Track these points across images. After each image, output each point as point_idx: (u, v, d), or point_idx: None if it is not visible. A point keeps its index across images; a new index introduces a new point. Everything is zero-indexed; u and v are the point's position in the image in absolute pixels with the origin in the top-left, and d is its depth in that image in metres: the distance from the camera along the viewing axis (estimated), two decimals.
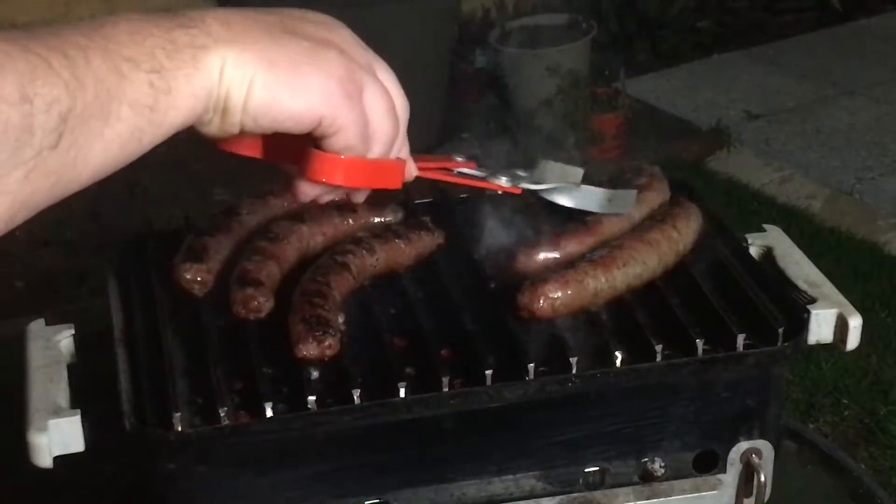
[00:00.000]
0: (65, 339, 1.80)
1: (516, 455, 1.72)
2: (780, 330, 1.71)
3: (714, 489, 1.79)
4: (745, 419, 1.76)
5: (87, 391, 1.70)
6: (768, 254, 1.99)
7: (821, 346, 1.82)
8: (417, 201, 2.05)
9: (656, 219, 1.87)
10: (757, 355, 1.71)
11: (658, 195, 1.93)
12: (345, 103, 1.07)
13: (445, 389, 1.62)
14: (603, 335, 1.71)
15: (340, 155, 1.11)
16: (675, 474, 1.78)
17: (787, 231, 2.06)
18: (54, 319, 1.84)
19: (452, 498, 1.72)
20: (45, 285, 4.13)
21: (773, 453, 1.79)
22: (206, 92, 1.01)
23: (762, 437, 1.78)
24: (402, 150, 1.19)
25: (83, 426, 1.61)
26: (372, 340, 1.70)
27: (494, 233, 1.91)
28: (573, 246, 1.79)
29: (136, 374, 1.66)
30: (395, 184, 1.20)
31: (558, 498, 1.75)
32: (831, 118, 5.28)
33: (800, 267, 1.93)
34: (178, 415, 1.55)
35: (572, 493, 1.75)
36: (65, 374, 1.72)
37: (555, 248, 1.79)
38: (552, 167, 1.68)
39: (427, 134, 5.14)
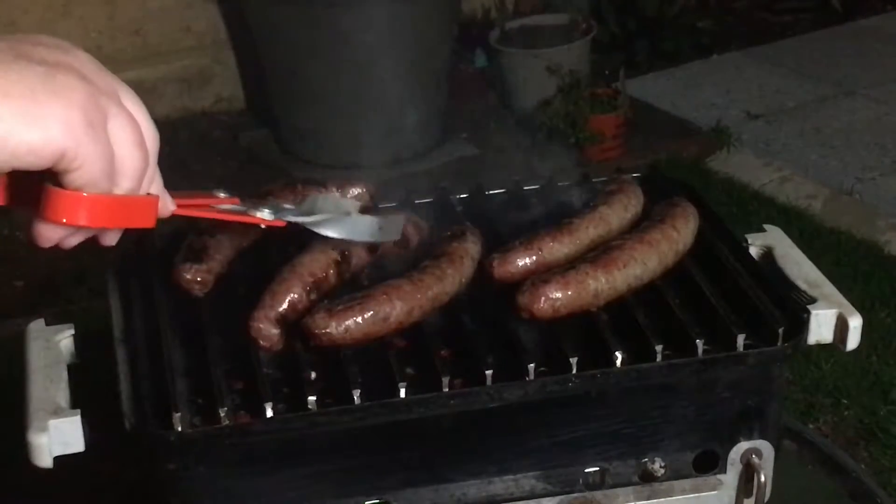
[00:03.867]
0: (65, 339, 1.80)
1: (516, 455, 1.72)
2: (780, 330, 1.71)
3: (714, 489, 1.79)
4: (745, 419, 1.76)
5: (87, 391, 1.70)
6: (768, 254, 1.99)
7: (821, 346, 1.82)
8: (417, 201, 2.05)
9: (656, 219, 1.87)
10: (757, 355, 1.71)
11: (633, 200, 1.94)
12: (88, 134, 0.97)
13: (445, 389, 1.62)
14: (603, 335, 1.71)
15: (83, 192, 1.00)
16: (675, 474, 1.78)
17: (787, 231, 2.06)
18: (54, 319, 1.84)
19: (452, 498, 1.72)
20: (45, 285, 4.13)
21: (773, 453, 1.79)
22: None
23: (762, 437, 1.78)
24: (153, 184, 1.09)
25: (83, 426, 1.61)
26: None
27: (494, 232, 1.91)
28: (549, 250, 1.80)
29: (136, 374, 1.66)
30: (147, 222, 1.09)
31: (558, 498, 1.75)
32: (831, 118, 5.28)
33: (800, 267, 1.93)
34: (178, 415, 1.55)
35: (572, 493, 1.75)
36: (65, 374, 1.72)
37: (531, 253, 1.79)
38: (323, 199, 1.62)
39: (427, 134, 5.14)
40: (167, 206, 1.15)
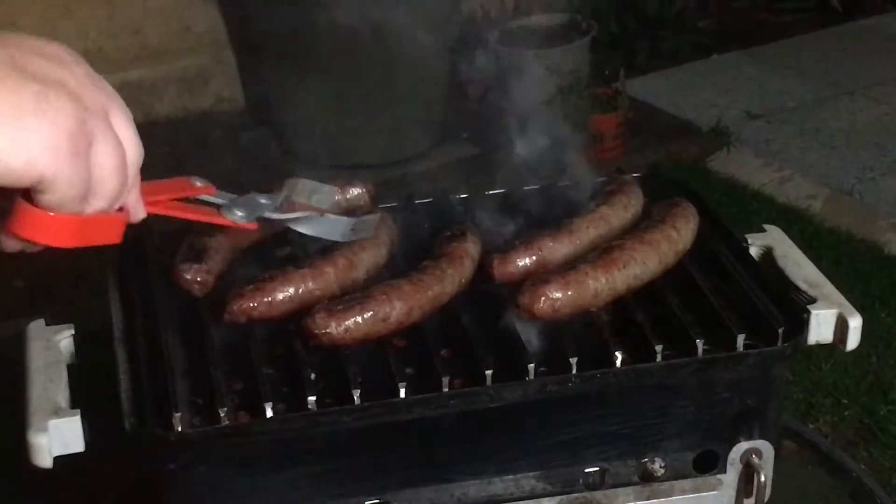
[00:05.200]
0: (65, 339, 1.80)
1: (516, 455, 1.72)
2: (780, 330, 1.71)
3: (714, 489, 1.79)
4: (745, 419, 1.76)
5: (87, 391, 1.69)
6: (768, 254, 1.99)
7: (821, 346, 1.82)
8: (417, 201, 2.05)
9: (656, 219, 1.87)
10: (757, 355, 1.71)
11: (633, 200, 1.94)
12: (69, 161, 0.96)
13: (445, 389, 1.62)
14: (603, 335, 1.71)
15: (50, 212, 0.99)
16: (675, 474, 1.78)
17: (787, 231, 2.06)
18: (54, 319, 1.84)
19: (452, 498, 1.72)
20: (45, 285, 4.13)
21: (773, 453, 1.79)
22: None
23: (762, 437, 1.78)
24: (129, 196, 1.07)
25: (83, 426, 1.61)
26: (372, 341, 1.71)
27: (494, 231, 1.92)
28: (549, 250, 1.80)
29: (136, 374, 1.66)
30: (113, 238, 1.08)
31: (558, 498, 1.75)
32: (831, 118, 5.28)
33: (800, 267, 1.93)
34: (178, 415, 1.55)
35: (572, 493, 1.76)
36: (65, 374, 1.72)
37: (531, 253, 1.79)
38: (303, 185, 1.63)
39: (427, 134, 5.14)
40: (138, 213, 1.13)
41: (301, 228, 1.59)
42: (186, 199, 1.31)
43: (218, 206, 1.37)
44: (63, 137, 0.95)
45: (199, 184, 1.32)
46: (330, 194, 1.76)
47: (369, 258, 1.79)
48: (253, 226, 1.42)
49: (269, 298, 1.69)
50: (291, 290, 1.70)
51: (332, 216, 1.66)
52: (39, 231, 1.01)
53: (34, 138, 0.94)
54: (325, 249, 1.77)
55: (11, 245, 1.05)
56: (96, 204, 1.02)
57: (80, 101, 0.98)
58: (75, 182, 0.98)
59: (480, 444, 1.72)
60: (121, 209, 1.08)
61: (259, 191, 1.49)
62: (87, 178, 0.99)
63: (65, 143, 0.95)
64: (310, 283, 1.72)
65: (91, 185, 1.00)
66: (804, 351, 1.82)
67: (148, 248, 1.94)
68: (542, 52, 5.15)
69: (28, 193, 0.99)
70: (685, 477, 1.78)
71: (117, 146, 1.01)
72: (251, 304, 1.68)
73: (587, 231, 1.85)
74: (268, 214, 1.47)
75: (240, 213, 1.39)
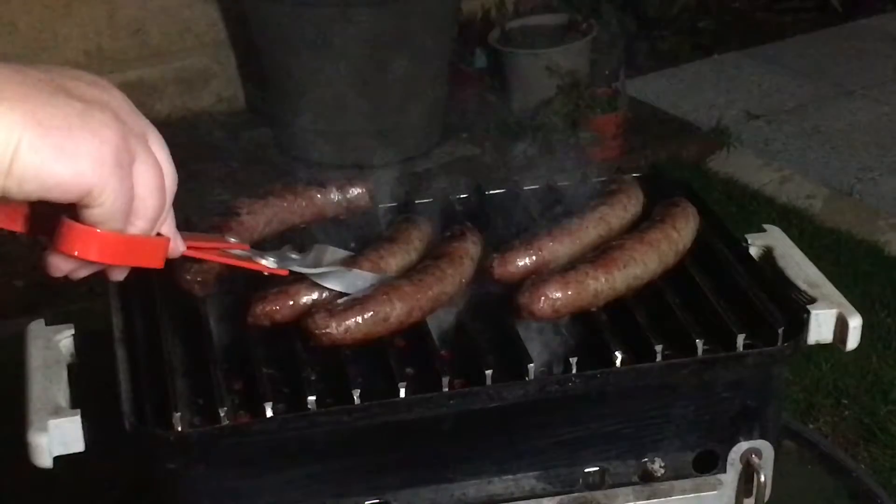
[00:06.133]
0: (65, 339, 1.80)
1: (516, 455, 1.72)
2: (780, 330, 1.71)
3: (714, 489, 1.79)
4: (745, 419, 1.76)
5: (87, 391, 1.70)
6: (768, 254, 1.99)
7: (821, 346, 1.82)
8: (418, 201, 2.05)
9: (656, 219, 1.87)
10: (757, 355, 1.71)
11: (633, 200, 1.94)
12: (115, 174, 1.00)
13: (445, 389, 1.62)
14: (603, 335, 1.71)
15: (97, 228, 1.03)
16: (675, 474, 1.78)
17: (787, 231, 2.06)
18: (54, 319, 1.84)
19: (452, 498, 1.72)
20: (45, 285, 4.13)
21: (773, 453, 1.79)
22: None
23: (762, 437, 1.78)
24: (165, 224, 1.12)
25: (83, 426, 1.61)
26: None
27: (494, 232, 1.92)
28: (549, 250, 1.80)
29: (136, 374, 1.66)
30: (156, 262, 1.12)
31: (558, 498, 1.75)
32: (831, 118, 5.28)
33: (800, 267, 1.93)
34: (178, 415, 1.55)
35: (572, 493, 1.75)
36: (65, 374, 1.72)
37: (531, 253, 1.79)
38: (322, 251, 1.71)
39: (427, 134, 5.14)
40: (178, 247, 1.19)
41: (329, 284, 1.68)
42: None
43: (251, 257, 1.46)
44: (109, 151, 0.99)
45: (233, 240, 1.43)
46: (343, 256, 1.78)
47: (396, 263, 1.78)
48: (284, 272, 1.54)
49: (293, 302, 1.69)
50: (315, 295, 1.70)
51: (357, 271, 1.72)
52: (86, 247, 1.04)
53: (83, 150, 0.97)
54: (349, 255, 1.78)
55: (59, 266, 1.07)
56: (139, 224, 1.06)
57: (122, 120, 1.02)
58: (120, 196, 1.01)
59: (480, 443, 1.72)
60: (159, 235, 1.11)
61: (291, 249, 1.64)
62: (131, 195, 1.03)
63: (110, 157, 0.99)
64: None
65: (134, 204, 1.03)
66: (804, 351, 1.81)
67: None
68: (542, 52, 5.15)
69: (73, 213, 1.02)
70: (685, 477, 1.78)
71: (157, 166, 1.05)
72: (275, 307, 1.68)
73: (587, 231, 1.85)
74: (296, 268, 1.60)
75: (272, 260, 1.50)
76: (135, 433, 1.57)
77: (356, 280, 1.70)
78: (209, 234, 1.35)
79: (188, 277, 1.76)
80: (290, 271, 1.58)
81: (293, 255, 1.62)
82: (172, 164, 1.09)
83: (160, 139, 1.08)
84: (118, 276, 1.14)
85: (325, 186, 1.97)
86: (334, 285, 1.68)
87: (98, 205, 1.00)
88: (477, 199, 2.10)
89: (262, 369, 1.65)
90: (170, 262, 1.12)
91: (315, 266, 1.68)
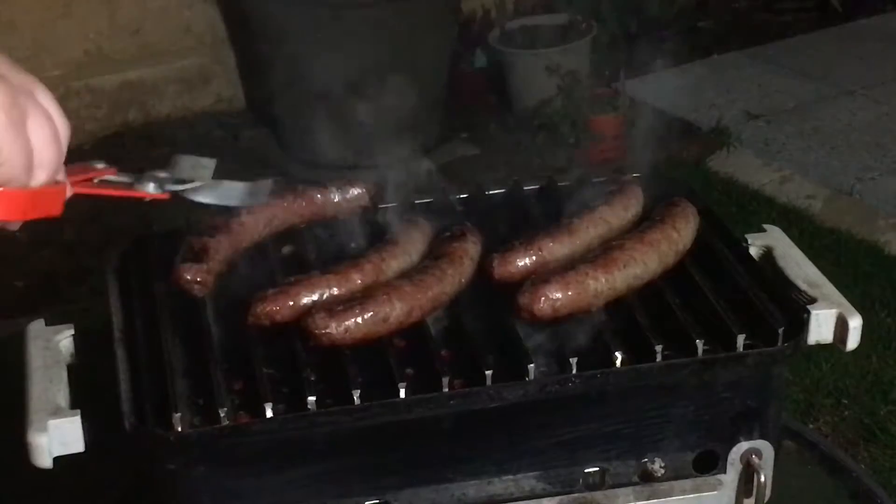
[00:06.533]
0: (65, 339, 1.80)
1: (516, 455, 1.72)
2: (780, 330, 1.71)
3: (714, 489, 1.79)
4: (745, 419, 1.76)
5: (87, 391, 1.70)
6: (768, 254, 1.99)
7: (821, 346, 1.82)
8: (417, 201, 2.05)
9: (656, 219, 1.87)
10: (757, 355, 1.71)
11: (633, 200, 1.94)
12: (10, 132, 1.01)
13: (445, 389, 1.62)
14: (603, 335, 1.71)
15: (1, 188, 1.04)
16: (675, 474, 1.78)
17: (787, 231, 2.06)
18: (54, 319, 1.84)
19: (452, 498, 1.72)
20: (45, 285, 4.13)
21: (773, 453, 1.79)
22: None
23: (762, 437, 1.78)
24: (60, 172, 1.13)
25: (83, 426, 1.61)
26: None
27: (494, 232, 1.92)
28: (549, 250, 1.80)
29: (136, 374, 1.66)
30: (55, 210, 1.13)
31: (558, 498, 1.75)
32: (831, 118, 5.27)
33: (800, 267, 1.93)
34: (178, 415, 1.55)
35: (572, 493, 1.75)
36: (65, 374, 1.72)
37: (531, 253, 1.79)
38: (185, 161, 1.64)
39: (427, 134, 5.14)
40: (68, 189, 1.19)
41: (200, 198, 1.61)
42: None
43: (130, 183, 1.43)
44: (0, 112, 1.00)
45: (100, 166, 1.38)
46: (209, 166, 1.77)
47: (397, 265, 1.78)
48: (165, 196, 1.49)
49: (293, 302, 1.69)
50: (316, 296, 1.70)
51: (227, 183, 1.66)
52: None
53: None
54: (349, 254, 1.77)
55: None
56: (40, 175, 1.07)
57: (6, 79, 1.03)
58: (18, 152, 1.03)
59: (480, 444, 1.72)
60: (57, 182, 1.12)
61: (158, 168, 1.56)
62: (29, 149, 1.04)
63: (2, 117, 1.00)
64: (335, 289, 1.71)
65: (34, 158, 1.05)
66: (804, 351, 1.81)
67: (148, 248, 1.94)
68: (542, 52, 5.15)
69: None
70: (685, 477, 1.78)
71: (48, 117, 1.07)
72: (275, 308, 1.68)
73: (587, 231, 1.85)
74: (169, 187, 1.53)
75: (152, 185, 1.46)
76: (135, 433, 1.57)
77: (228, 191, 1.65)
78: (76, 164, 1.36)
79: (188, 277, 1.76)
80: (169, 192, 1.52)
81: (162, 174, 1.55)
82: (63, 115, 1.10)
83: (47, 93, 1.09)
84: (14, 227, 1.14)
85: (325, 187, 1.97)
86: (209, 198, 1.62)
87: None
88: (477, 199, 2.10)
89: (262, 369, 1.65)
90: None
91: (184, 179, 1.59)
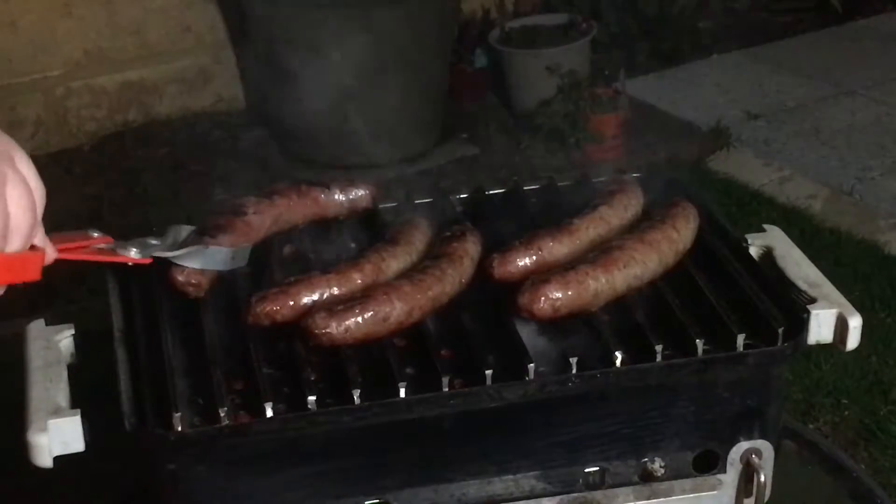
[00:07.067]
0: (65, 339, 1.80)
1: (516, 455, 1.72)
2: (780, 330, 1.71)
3: (714, 489, 1.79)
4: (745, 419, 1.76)
5: (87, 391, 1.70)
6: (768, 254, 1.99)
7: (821, 346, 1.82)
8: (417, 201, 2.05)
9: (656, 219, 1.87)
10: (757, 355, 1.71)
11: (633, 200, 1.94)
12: None
13: (445, 389, 1.62)
14: (603, 335, 1.71)
15: None
16: (675, 474, 1.78)
17: (787, 231, 2.06)
18: (54, 319, 1.84)
19: (452, 498, 1.72)
20: (45, 285, 4.12)
21: (773, 453, 1.79)
22: None
23: (762, 437, 1.78)
24: (37, 236, 1.14)
25: (83, 426, 1.61)
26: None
27: (494, 232, 1.92)
28: (549, 250, 1.80)
29: (136, 374, 1.66)
30: (34, 275, 1.15)
31: (558, 498, 1.75)
32: (831, 118, 5.27)
33: (800, 267, 1.93)
34: (178, 415, 1.55)
35: (572, 492, 1.75)
36: (65, 374, 1.72)
37: (531, 253, 1.79)
38: (179, 231, 1.75)
39: (427, 134, 5.14)
40: (50, 255, 1.19)
41: (187, 262, 1.71)
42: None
43: (114, 249, 1.51)
44: None
45: (96, 235, 1.45)
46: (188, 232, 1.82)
47: (397, 265, 1.78)
48: (147, 260, 1.60)
49: (293, 302, 1.69)
50: (316, 295, 1.70)
51: (213, 248, 1.75)
52: None
53: None
54: (350, 255, 1.78)
55: None
56: (15, 241, 1.08)
57: None
58: None
59: (480, 444, 1.72)
60: (33, 248, 1.14)
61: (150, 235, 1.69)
62: (6, 215, 1.05)
63: None
64: (335, 289, 1.72)
65: (10, 224, 1.06)
66: (804, 351, 1.81)
67: None
68: (542, 52, 5.15)
69: None
70: (685, 477, 1.78)
71: (26, 185, 1.08)
72: (275, 308, 1.68)
73: (587, 231, 1.85)
74: (157, 253, 1.64)
75: (134, 251, 1.56)
76: (135, 433, 1.57)
77: (214, 255, 1.72)
78: (72, 232, 1.39)
79: (181, 279, 1.75)
80: (154, 258, 1.62)
81: (153, 241, 1.66)
82: (40, 180, 1.11)
83: (25, 156, 1.10)
84: None
85: (328, 187, 1.97)
86: (194, 263, 1.71)
87: None
88: (477, 199, 2.10)
89: (262, 369, 1.65)
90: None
91: (174, 247, 1.69)
